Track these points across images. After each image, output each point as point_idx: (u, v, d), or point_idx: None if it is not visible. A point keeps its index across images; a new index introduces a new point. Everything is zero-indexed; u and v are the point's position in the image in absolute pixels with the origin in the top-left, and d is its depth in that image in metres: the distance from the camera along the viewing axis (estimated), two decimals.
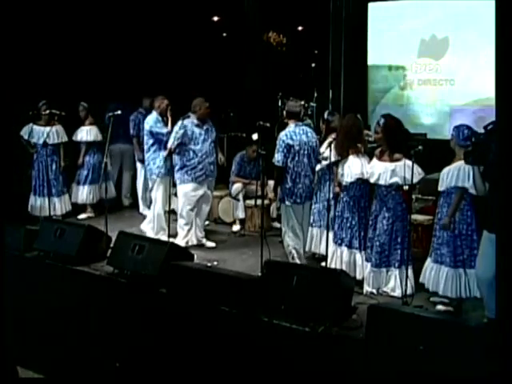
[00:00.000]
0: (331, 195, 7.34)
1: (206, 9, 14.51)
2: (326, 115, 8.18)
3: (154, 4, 12.57)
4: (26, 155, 9.98)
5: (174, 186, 8.85)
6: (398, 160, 6.74)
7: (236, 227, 9.81)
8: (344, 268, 7.13)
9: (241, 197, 9.73)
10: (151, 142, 9.15)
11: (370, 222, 7.05)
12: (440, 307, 6.53)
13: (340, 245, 7.33)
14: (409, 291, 6.63)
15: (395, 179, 6.71)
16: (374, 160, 6.98)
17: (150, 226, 9.14)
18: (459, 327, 5.19)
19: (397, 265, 6.85)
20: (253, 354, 6.08)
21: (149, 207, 10.67)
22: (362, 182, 7.21)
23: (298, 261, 7.61)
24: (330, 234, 7.33)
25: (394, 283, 6.88)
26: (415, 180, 6.72)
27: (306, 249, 8.00)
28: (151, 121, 9.19)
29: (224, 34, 16.55)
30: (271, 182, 8.21)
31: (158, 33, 12.73)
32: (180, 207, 8.75)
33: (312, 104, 11.24)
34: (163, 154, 8.89)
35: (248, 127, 9.05)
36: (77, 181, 10.36)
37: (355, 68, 12.68)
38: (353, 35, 12.64)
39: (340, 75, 12.83)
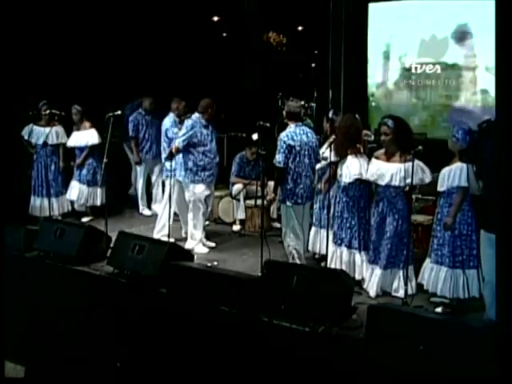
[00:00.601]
0: (331, 194, 7.34)
1: (206, 9, 14.51)
2: (330, 114, 8.15)
3: (154, 4, 12.57)
4: (26, 155, 9.98)
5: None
6: (407, 160, 6.68)
7: (236, 227, 9.81)
8: (344, 268, 7.13)
9: (241, 197, 9.73)
10: (166, 144, 9.19)
11: (375, 225, 7.02)
12: (440, 308, 6.52)
13: (340, 245, 7.32)
14: (410, 291, 6.64)
15: (409, 180, 6.66)
16: (379, 161, 6.94)
17: (162, 234, 8.93)
18: (459, 327, 5.19)
19: (401, 265, 6.85)
20: (253, 354, 6.08)
21: (149, 207, 10.70)
22: (361, 183, 7.20)
23: (298, 261, 7.61)
24: (330, 234, 7.33)
25: (398, 284, 6.89)
26: (427, 180, 6.74)
27: (309, 248, 8.02)
28: (168, 123, 9.23)
29: (224, 34, 16.56)
30: (271, 183, 8.21)
31: (158, 33, 12.74)
32: (190, 209, 8.69)
33: (312, 104, 11.24)
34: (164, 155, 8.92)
35: (248, 127, 9.04)
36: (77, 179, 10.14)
37: (355, 68, 12.67)
38: (353, 35, 12.63)
39: (340, 75, 12.83)
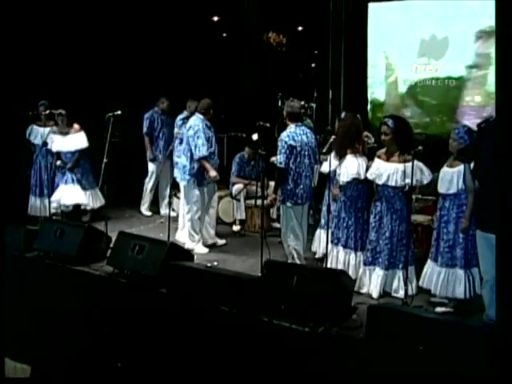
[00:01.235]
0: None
1: (205, 9, 14.49)
2: (342, 115, 8.13)
3: (154, 4, 12.56)
4: (25, 155, 9.98)
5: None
6: (407, 161, 6.69)
7: (236, 227, 9.81)
8: (340, 268, 7.13)
9: (241, 197, 9.73)
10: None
11: (373, 224, 7.02)
12: (440, 308, 6.52)
13: (336, 244, 7.33)
14: (410, 292, 6.63)
15: (407, 180, 6.66)
16: (379, 161, 6.95)
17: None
18: (459, 328, 5.19)
19: (401, 266, 6.85)
20: (253, 354, 6.08)
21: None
22: (359, 183, 7.20)
23: (298, 261, 7.62)
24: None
25: (398, 284, 6.88)
26: (425, 181, 6.73)
27: (315, 249, 8.03)
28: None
29: (224, 34, 16.53)
30: (272, 184, 8.20)
31: (157, 33, 12.72)
32: (193, 210, 8.67)
33: (312, 104, 11.22)
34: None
35: (248, 127, 9.04)
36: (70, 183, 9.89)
37: (355, 68, 12.65)
38: (353, 35, 12.61)
39: (340, 75, 12.81)
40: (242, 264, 8.06)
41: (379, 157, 6.98)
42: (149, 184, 10.59)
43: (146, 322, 6.84)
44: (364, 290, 7.01)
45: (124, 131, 10.67)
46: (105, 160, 8.42)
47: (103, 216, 8.90)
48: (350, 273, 7.11)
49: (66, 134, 9.66)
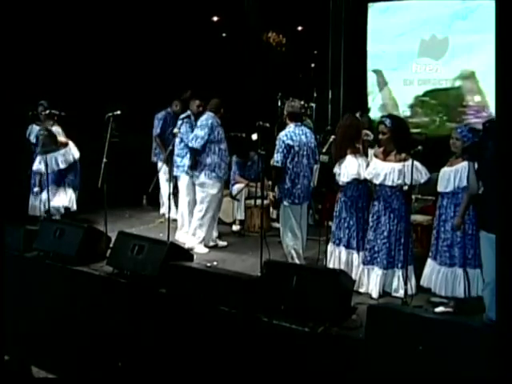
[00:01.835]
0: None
1: (205, 9, 14.50)
2: (357, 115, 8.12)
3: (154, 4, 12.57)
4: (25, 155, 9.97)
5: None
6: (404, 160, 6.71)
7: (236, 227, 9.81)
8: (342, 268, 7.12)
9: (242, 197, 9.73)
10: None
11: (371, 223, 7.02)
12: (440, 308, 6.52)
13: (338, 245, 7.31)
14: (410, 291, 6.64)
15: (402, 179, 6.71)
16: (376, 160, 6.96)
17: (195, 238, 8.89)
18: (459, 328, 5.18)
19: (400, 265, 6.85)
20: (252, 354, 6.08)
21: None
22: (359, 183, 7.19)
23: (297, 261, 7.61)
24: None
25: (398, 284, 6.88)
26: (422, 180, 6.73)
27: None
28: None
29: (224, 34, 16.54)
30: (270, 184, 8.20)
31: (157, 33, 12.73)
32: (204, 207, 8.68)
33: (311, 104, 11.24)
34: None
35: (248, 127, 9.05)
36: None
37: (355, 68, 12.68)
38: (352, 35, 12.63)
39: (339, 75, 12.83)
40: (242, 264, 8.06)
41: (376, 156, 6.98)
42: (166, 187, 10.43)
43: (145, 322, 6.84)
44: (363, 290, 7.00)
45: (124, 131, 10.66)
46: (104, 160, 8.42)
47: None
48: (353, 273, 7.11)
49: (54, 150, 9.48)
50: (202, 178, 8.59)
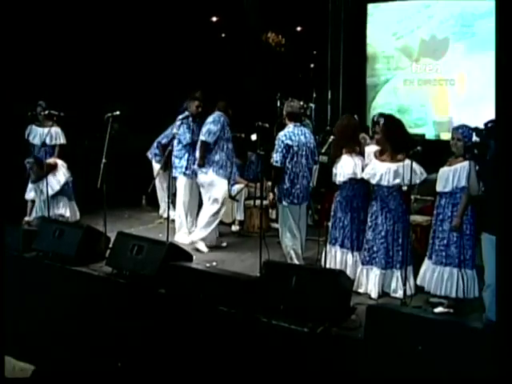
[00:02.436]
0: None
1: (204, 9, 14.50)
2: (376, 118, 8.11)
3: (153, 4, 12.56)
4: (25, 156, 9.96)
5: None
6: (400, 160, 6.73)
7: (235, 228, 9.81)
8: (337, 268, 7.12)
9: (242, 198, 9.73)
10: None
11: (369, 223, 7.03)
12: (439, 308, 6.51)
13: (334, 244, 7.31)
14: (409, 292, 6.64)
15: (398, 180, 6.72)
16: (374, 160, 6.96)
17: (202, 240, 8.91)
18: (458, 328, 5.19)
19: (398, 266, 6.85)
20: (252, 355, 6.08)
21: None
22: (355, 182, 7.19)
23: (296, 261, 7.62)
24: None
25: (396, 284, 6.88)
26: (418, 181, 6.73)
27: None
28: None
29: (223, 35, 16.54)
30: (270, 184, 8.20)
31: (156, 33, 12.72)
32: (218, 206, 8.68)
33: (311, 104, 11.23)
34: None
35: (247, 128, 9.05)
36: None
37: (354, 68, 12.66)
38: (352, 36, 12.62)
39: (339, 76, 12.81)
40: (241, 264, 8.06)
41: (375, 156, 6.99)
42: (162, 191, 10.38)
43: (145, 322, 6.83)
44: (362, 290, 7.00)
45: (123, 131, 10.65)
46: (103, 160, 8.41)
47: None
48: (348, 273, 7.09)
49: (43, 177, 9.37)
50: (211, 174, 8.58)
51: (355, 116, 7.67)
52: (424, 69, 11.95)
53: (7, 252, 7.55)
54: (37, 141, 9.75)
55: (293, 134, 7.59)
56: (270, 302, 6.19)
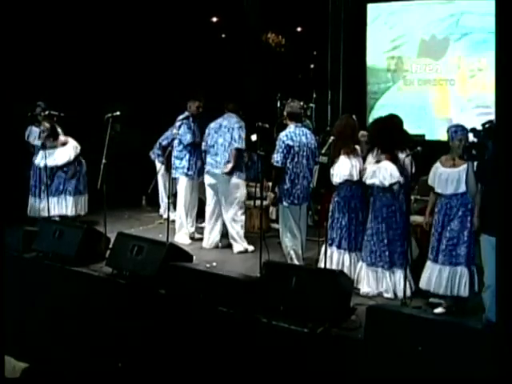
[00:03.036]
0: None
1: (204, 9, 14.51)
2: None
3: (153, 5, 12.56)
4: (24, 156, 9.97)
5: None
6: (378, 162, 6.82)
7: None
8: (334, 268, 7.12)
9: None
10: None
11: (368, 224, 7.08)
12: (439, 309, 6.51)
13: (331, 245, 7.29)
14: (400, 293, 6.71)
15: (373, 180, 6.83)
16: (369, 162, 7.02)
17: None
18: (458, 328, 5.19)
19: (386, 266, 6.86)
20: (252, 355, 6.08)
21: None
22: (352, 183, 7.19)
23: (296, 261, 7.61)
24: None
25: (391, 285, 6.88)
26: (386, 183, 6.77)
27: None
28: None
29: (223, 35, 16.55)
30: (270, 184, 8.19)
31: (156, 33, 12.72)
32: (242, 209, 8.71)
33: (311, 105, 11.23)
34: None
35: (247, 128, 9.05)
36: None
37: (354, 69, 12.66)
38: (352, 36, 12.62)
39: (339, 76, 12.81)
40: (241, 265, 8.05)
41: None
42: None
43: (145, 322, 6.83)
44: (361, 290, 6.99)
45: (123, 132, 10.66)
46: (103, 161, 8.41)
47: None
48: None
49: (54, 147, 9.59)
50: (235, 179, 8.54)
51: (354, 116, 7.66)
52: (424, 69, 11.94)
53: (7, 252, 7.55)
54: (37, 141, 9.74)
55: (294, 134, 7.59)
56: (270, 302, 6.19)
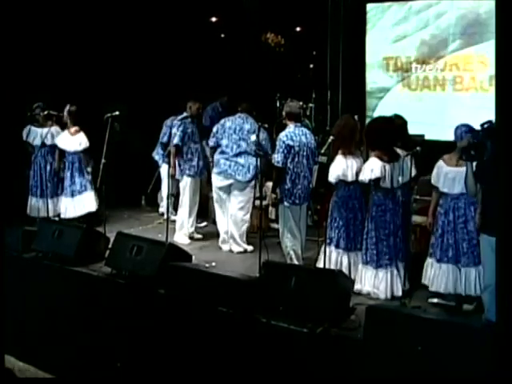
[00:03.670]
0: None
1: (204, 9, 14.50)
2: None
3: (152, 5, 12.55)
4: (24, 156, 9.96)
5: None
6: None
7: None
8: (333, 268, 7.12)
9: None
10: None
11: (365, 223, 7.08)
12: (436, 299, 6.54)
13: (329, 245, 7.29)
14: (396, 293, 6.77)
15: (359, 177, 6.96)
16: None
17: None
18: (457, 328, 5.18)
19: (374, 265, 6.88)
20: (251, 355, 6.07)
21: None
22: (351, 183, 7.18)
23: (296, 261, 7.62)
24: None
25: (385, 284, 6.88)
26: (366, 178, 6.83)
27: None
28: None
29: (222, 35, 16.55)
30: (269, 184, 8.19)
31: (155, 33, 12.71)
32: (248, 208, 8.66)
33: (310, 105, 11.24)
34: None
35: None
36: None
37: (353, 69, 12.65)
38: (351, 36, 12.61)
39: (338, 76, 12.80)
40: (241, 265, 8.05)
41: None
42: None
43: (144, 322, 6.83)
44: (355, 287, 6.98)
45: (122, 132, 10.65)
46: (103, 161, 8.41)
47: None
48: None
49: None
50: (252, 181, 8.50)
51: (355, 116, 7.66)
52: (424, 69, 11.94)
53: (7, 252, 7.54)
54: (37, 141, 9.74)
55: (294, 134, 7.59)
56: (270, 302, 6.19)
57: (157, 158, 10.38)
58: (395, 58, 12.25)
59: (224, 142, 8.55)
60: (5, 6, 7.29)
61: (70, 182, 9.65)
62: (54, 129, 9.74)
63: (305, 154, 7.61)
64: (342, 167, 7.11)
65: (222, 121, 8.71)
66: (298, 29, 17.75)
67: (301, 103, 8.45)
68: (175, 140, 9.00)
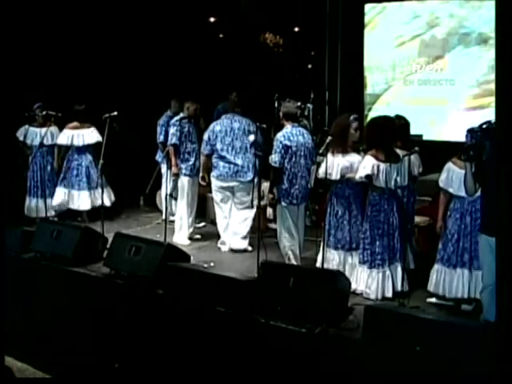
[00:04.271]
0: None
1: (202, 9, 14.48)
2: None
3: (151, 5, 12.55)
4: (22, 156, 9.96)
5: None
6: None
7: None
8: (330, 267, 7.11)
9: None
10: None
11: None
12: (433, 298, 6.55)
13: (326, 244, 7.28)
14: (389, 294, 6.78)
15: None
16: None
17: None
18: (457, 328, 5.18)
19: (368, 265, 6.89)
20: (249, 355, 6.07)
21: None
22: (347, 183, 7.16)
23: (294, 262, 7.62)
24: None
25: (378, 284, 6.87)
26: (358, 176, 6.84)
27: None
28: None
29: (220, 35, 16.53)
30: (266, 184, 8.18)
31: (154, 33, 12.70)
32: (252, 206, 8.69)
33: (308, 105, 11.23)
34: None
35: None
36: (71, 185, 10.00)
37: (352, 69, 12.67)
38: (349, 36, 12.63)
39: (337, 76, 12.83)
40: (239, 265, 8.05)
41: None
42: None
43: (142, 323, 6.82)
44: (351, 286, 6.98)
45: (121, 132, 10.64)
46: (101, 161, 8.41)
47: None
48: None
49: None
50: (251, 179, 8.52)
51: (353, 116, 7.62)
52: (424, 69, 11.95)
53: (5, 253, 7.52)
54: (35, 141, 9.74)
55: (291, 134, 7.59)
56: (268, 302, 6.18)
57: (160, 160, 10.38)
58: (395, 57, 12.26)
59: (218, 146, 8.62)
60: (5, 6, 7.28)
61: (84, 176, 9.71)
62: (54, 129, 9.74)
63: (302, 154, 7.60)
64: (324, 166, 7.04)
65: (211, 126, 8.74)
66: (296, 29, 17.73)
67: (299, 103, 8.42)
68: (173, 140, 9.01)
